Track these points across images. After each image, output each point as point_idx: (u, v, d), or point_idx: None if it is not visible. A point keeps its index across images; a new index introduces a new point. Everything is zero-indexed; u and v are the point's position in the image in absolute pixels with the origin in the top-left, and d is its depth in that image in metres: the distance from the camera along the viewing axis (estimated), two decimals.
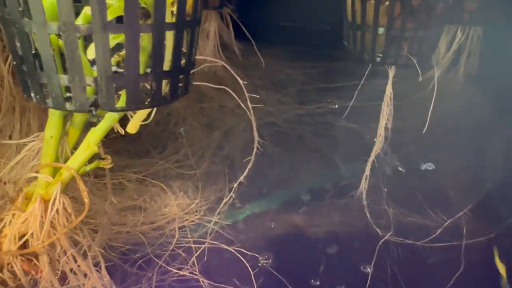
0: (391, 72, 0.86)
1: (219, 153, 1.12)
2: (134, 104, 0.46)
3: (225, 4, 1.50)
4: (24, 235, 0.52)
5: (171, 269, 0.75)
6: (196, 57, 0.53)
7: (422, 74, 0.84)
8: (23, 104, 0.98)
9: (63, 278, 0.55)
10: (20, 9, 0.41)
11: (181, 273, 0.75)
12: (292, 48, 1.60)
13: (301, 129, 1.24)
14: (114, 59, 0.52)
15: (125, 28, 0.42)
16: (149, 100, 0.47)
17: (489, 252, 0.82)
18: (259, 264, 0.77)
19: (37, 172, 0.53)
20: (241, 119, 1.23)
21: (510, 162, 1.07)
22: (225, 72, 1.19)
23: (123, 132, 0.52)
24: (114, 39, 0.45)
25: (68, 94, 0.47)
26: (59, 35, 0.45)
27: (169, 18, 0.45)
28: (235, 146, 1.15)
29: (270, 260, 0.78)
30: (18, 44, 0.44)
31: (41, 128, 1.00)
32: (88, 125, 0.55)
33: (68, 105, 0.45)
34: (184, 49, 0.49)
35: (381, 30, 0.80)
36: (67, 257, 0.54)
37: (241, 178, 0.71)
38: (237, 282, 0.73)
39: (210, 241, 0.82)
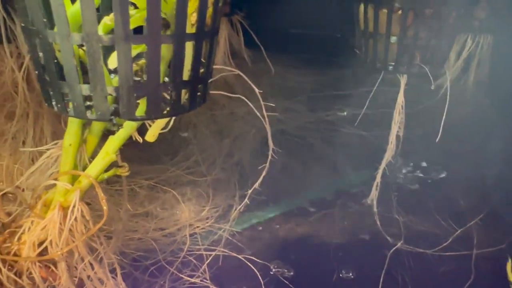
0: (403, 80, 0.86)
1: (229, 160, 1.13)
2: (154, 113, 0.47)
3: (235, 11, 1.51)
4: (42, 242, 0.52)
5: (182, 276, 0.76)
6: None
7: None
8: (36, 110, 0.99)
9: (80, 285, 0.55)
10: (44, 20, 0.42)
11: (193, 280, 0.75)
12: (302, 55, 1.61)
13: (311, 136, 1.24)
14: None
15: (147, 39, 0.42)
16: (168, 109, 0.48)
17: (500, 263, 0.81)
18: (271, 273, 0.78)
19: (56, 179, 0.53)
20: (251, 126, 1.24)
21: None
22: (235, 80, 1.20)
23: (141, 140, 0.53)
24: (135, 49, 0.46)
25: (88, 103, 0.47)
26: (80, 45, 0.46)
27: (189, 29, 0.46)
28: (245, 153, 1.16)
29: (281, 269, 0.79)
30: (40, 54, 0.45)
31: (54, 134, 1.02)
32: (106, 133, 0.56)
33: (89, 114, 0.46)
34: (202, 59, 0.49)
35: (393, 39, 0.80)
36: (84, 264, 0.54)
37: (256, 185, 0.72)
38: None
39: (221, 249, 0.82)
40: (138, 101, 0.48)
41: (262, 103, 0.58)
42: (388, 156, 0.90)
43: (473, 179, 1.07)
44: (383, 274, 0.77)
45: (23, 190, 0.58)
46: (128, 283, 0.71)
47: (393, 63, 0.82)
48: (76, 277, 0.55)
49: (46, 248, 0.53)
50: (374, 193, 0.93)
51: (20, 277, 0.52)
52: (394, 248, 0.83)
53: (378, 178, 0.92)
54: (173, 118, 0.52)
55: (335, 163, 1.14)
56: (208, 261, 0.79)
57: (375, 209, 0.92)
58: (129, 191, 0.99)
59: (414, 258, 0.82)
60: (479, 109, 1.33)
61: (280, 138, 1.22)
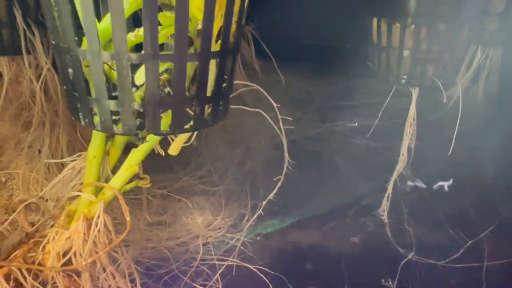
0: (415, 93, 0.87)
1: (241, 170, 1.14)
2: (178, 128, 0.48)
3: (247, 22, 1.53)
4: (66, 252, 0.54)
5: (195, 285, 0.77)
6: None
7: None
8: (53, 120, 1.01)
9: None
10: (76, 38, 0.44)
11: None
12: (312, 66, 1.62)
13: (321, 146, 1.25)
14: None
15: (175, 58, 0.44)
16: (191, 123, 0.49)
17: (511, 275, 0.82)
18: (283, 283, 0.78)
19: (79, 190, 0.55)
20: (262, 135, 1.25)
21: None
22: (247, 90, 1.21)
23: (163, 154, 0.54)
24: (161, 66, 0.47)
25: (114, 117, 0.49)
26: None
27: (213, 46, 0.47)
28: (257, 163, 1.16)
29: (292, 279, 0.79)
30: (70, 71, 0.46)
31: (69, 143, 1.03)
32: (128, 146, 0.57)
33: (115, 129, 0.47)
34: (225, 75, 0.51)
35: (406, 53, 0.81)
36: (106, 274, 0.55)
37: (270, 196, 0.73)
38: None
39: (233, 259, 0.82)
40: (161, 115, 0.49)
41: (279, 117, 0.59)
42: (399, 167, 0.91)
43: (484, 190, 1.08)
44: (394, 285, 0.78)
45: (46, 201, 0.60)
46: None
47: (406, 76, 0.83)
48: (98, 287, 0.56)
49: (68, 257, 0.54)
50: (385, 204, 0.93)
51: (45, 286, 0.53)
52: (405, 260, 0.83)
53: (390, 190, 0.92)
54: (195, 132, 0.53)
55: (346, 174, 1.15)
56: (221, 270, 0.79)
57: (386, 220, 0.92)
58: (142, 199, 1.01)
59: (425, 270, 0.82)
60: (489, 120, 1.34)
61: (290, 148, 1.23)
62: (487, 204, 1.04)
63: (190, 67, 0.49)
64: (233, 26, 0.48)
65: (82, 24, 0.44)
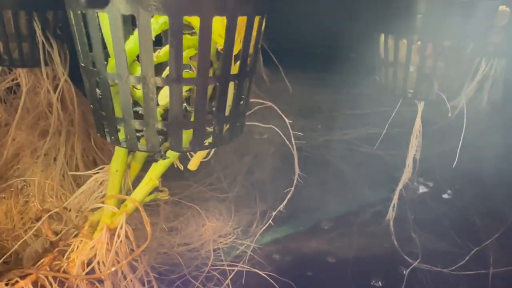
0: (421, 106, 0.90)
1: (250, 177, 1.16)
2: (198, 146, 0.51)
3: None
4: (89, 260, 0.57)
5: None
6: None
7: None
8: (68, 129, 1.04)
9: None
10: (105, 63, 0.47)
11: None
12: (319, 74, 1.64)
13: (329, 155, 1.27)
14: None
15: (197, 81, 0.47)
16: (210, 141, 0.52)
17: None
18: None
19: (103, 202, 0.58)
20: (270, 144, 1.27)
21: None
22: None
23: (182, 168, 0.57)
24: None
25: (137, 134, 0.52)
26: None
27: (232, 70, 0.50)
28: (265, 170, 1.19)
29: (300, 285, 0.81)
30: (98, 91, 0.50)
31: (84, 152, 1.06)
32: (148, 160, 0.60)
33: (140, 146, 0.50)
34: (242, 95, 0.53)
35: (412, 68, 0.84)
36: (127, 282, 0.58)
37: (280, 207, 0.76)
38: None
39: (243, 265, 0.84)
40: None
41: (291, 133, 0.62)
42: (405, 178, 0.93)
43: (489, 197, 1.09)
44: None
45: (69, 211, 0.63)
46: None
47: (412, 91, 0.86)
48: None
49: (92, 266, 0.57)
50: (391, 214, 0.95)
51: None
52: (411, 267, 0.85)
53: (395, 200, 0.94)
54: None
55: (353, 182, 1.17)
56: (231, 276, 0.82)
57: (392, 229, 0.94)
58: (155, 206, 1.03)
59: (431, 277, 0.84)
60: (494, 128, 1.35)
61: (297, 157, 1.25)
62: (492, 211, 1.05)
63: (209, 88, 0.52)
64: (251, 50, 0.51)
65: (111, 50, 0.47)
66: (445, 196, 1.13)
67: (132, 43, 0.49)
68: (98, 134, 0.53)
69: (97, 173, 0.61)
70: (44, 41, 0.91)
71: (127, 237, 0.57)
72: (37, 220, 0.70)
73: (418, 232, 0.96)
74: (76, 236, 0.60)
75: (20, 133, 1.03)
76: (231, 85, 0.51)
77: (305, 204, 1.07)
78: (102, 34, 0.47)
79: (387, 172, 1.15)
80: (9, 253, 0.64)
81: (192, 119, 0.50)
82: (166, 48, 0.50)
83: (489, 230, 0.96)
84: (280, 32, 1.58)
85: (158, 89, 0.50)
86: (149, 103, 0.47)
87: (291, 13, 1.65)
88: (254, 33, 0.50)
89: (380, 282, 0.83)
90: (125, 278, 0.59)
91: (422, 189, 1.14)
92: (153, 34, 0.45)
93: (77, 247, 0.57)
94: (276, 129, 0.62)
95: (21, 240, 0.64)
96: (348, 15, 1.56)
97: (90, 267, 0.55)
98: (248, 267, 0.84)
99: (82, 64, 0.50)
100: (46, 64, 0.94)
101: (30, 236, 0.72)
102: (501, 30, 1.23)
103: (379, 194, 1.10)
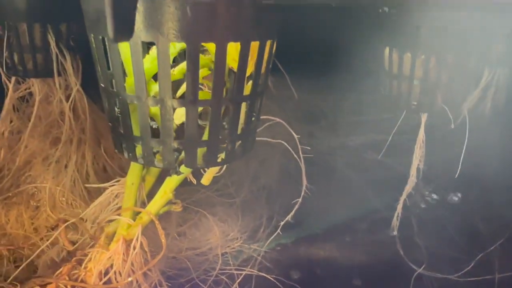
0: (424, 118, 0.92)
1: (256, 183, 1.18)
2: (211, 162, 0.53)
3: None
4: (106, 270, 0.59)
5: None
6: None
7: None
8: (79, 137, 1.07)
9: None
10: (124, 85, 0.49)
11: None
12: (324, 81, 1.65)
13: (334, 161, 1.29)
14: None
15: (212, 103, 0.49)
16: (223, 157, 0.55)
17: None
18: None
19: (119, 214, 0.60)
20: (276, 150, 1.29)
21: None
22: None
23: (195, 182, 0.60)
24: None
25: (154, 151, 0.54)
26: None
27: (244, 91, 0.53)
28: (271, 177, 1.21)
29: None
30: (117, 111, 0.52)
31: (94, 159, 1.09)
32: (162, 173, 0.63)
33: (157, 163, 0.53)
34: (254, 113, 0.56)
35: (416, 81, 0.86)
36: None
37: (288, 217, 0.78)
38: None
39: (250, 269, 0.86)
40: None
41: (299, 147, 0.64)
42: (409, 188, 0.95)
43: (493, 203, 1.11)
44: None
45: (85, 221, 0.65)
46: None
47: (416, 103, 0.88)
48: None
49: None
50: (395, 222, 0.97)
51: None
52: (416, 273, 0.86)
53: (399, 209, 0.96)
54: None
55: (358, 188, 1.18)
56: (239, 280, 0.83)
57: (397, 237, 0.96)
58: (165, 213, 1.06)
59: (437, 283, 0.85)
60: (497, 135, 1.36)
61: (303, 160, 1.26)
62: (496, 216, 1.06)
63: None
64: (263, 70, 0.54)
65: (129, 71, 0.49)
66: (449, 202, 1.14)
67: (149, 62, 0.51)
68: (116, 150, 0.56)
69: (113, 185, 0.64)
70: (58, 52, 0.93)
71: (142, 248, 0.60)
72: (53, 228, 0.73)
73: (423, 238, 0.97)
74: (92, 246, 0.62)
75: (33, 140, 1.05)
76: (243, 105, 0.53)
77: (311, 210, 1.08)
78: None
79: (393, 178, 1.16)
80: (26, 262, 0.67)
81: (205, 135, 0.53)
82: (180, 67, 0.52)
83: (494, 235, 0.97)
84: (285, 39, 1.59)
85: (174, 109, 0.52)
86: (166, 123, 0.49)
87: (296, 20, 1.67)
88: (265, 56, 0.52)
89: None
90: (139, 287, 0.61)
91: (426, 196, 1.15)
92: (171, 59, 0.47)
93: (94, 257, 0.60)
94: (285, 144, 0.64)
95: (39, 249, 0.67)
96: (354, 21, 1.58)
97: (107, 277, 0.57)
98: (255, 271, 0.86)
99: (102, 85, 0.52)
100: (59, 74, 0.96)
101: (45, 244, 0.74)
102: (504, 39, 1.25)
103: (385, 200, 1.11)
